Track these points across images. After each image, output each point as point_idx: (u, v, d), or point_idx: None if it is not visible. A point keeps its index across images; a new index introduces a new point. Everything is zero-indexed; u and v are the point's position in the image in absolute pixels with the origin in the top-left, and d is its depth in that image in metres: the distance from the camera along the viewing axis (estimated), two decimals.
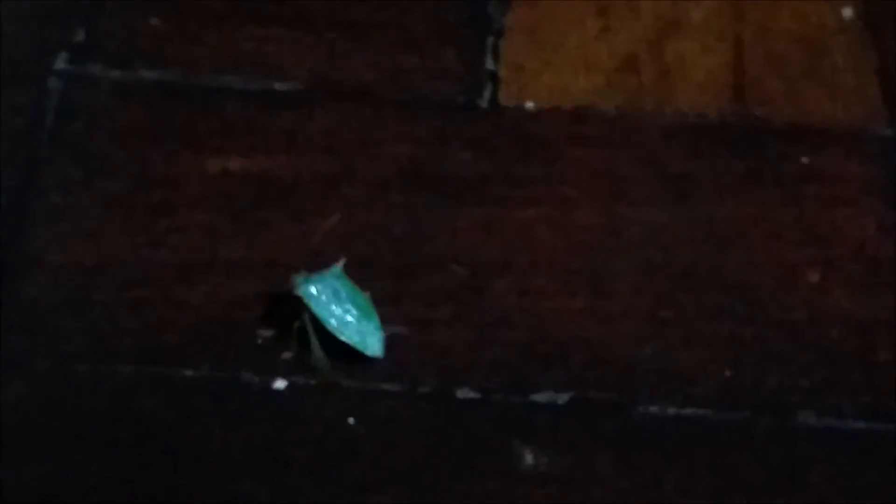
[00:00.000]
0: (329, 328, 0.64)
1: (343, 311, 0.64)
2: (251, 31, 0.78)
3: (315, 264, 0.65)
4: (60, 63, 0.75)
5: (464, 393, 0.66)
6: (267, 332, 0.66)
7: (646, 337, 0.68)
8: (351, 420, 0.64)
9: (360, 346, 0.64)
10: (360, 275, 0.67)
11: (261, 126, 0.74)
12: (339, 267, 0.67)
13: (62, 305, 0.67)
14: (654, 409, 0.66)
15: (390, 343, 0.66)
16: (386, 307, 0.67)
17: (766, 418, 0.65)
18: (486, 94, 0.76)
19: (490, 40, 0.79)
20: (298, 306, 0.64)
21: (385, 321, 0.65)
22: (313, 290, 0.64)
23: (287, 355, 0.65)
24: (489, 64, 0.78)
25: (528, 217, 0.71)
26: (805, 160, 0.74)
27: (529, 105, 0.76)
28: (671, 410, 0.66)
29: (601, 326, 0.68)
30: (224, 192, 0.71)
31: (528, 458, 0.63)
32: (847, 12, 0.82)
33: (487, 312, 0.68)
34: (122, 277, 0.68)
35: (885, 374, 0.67)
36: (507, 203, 0.72)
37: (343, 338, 0.64)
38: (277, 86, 0.75)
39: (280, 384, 0.65)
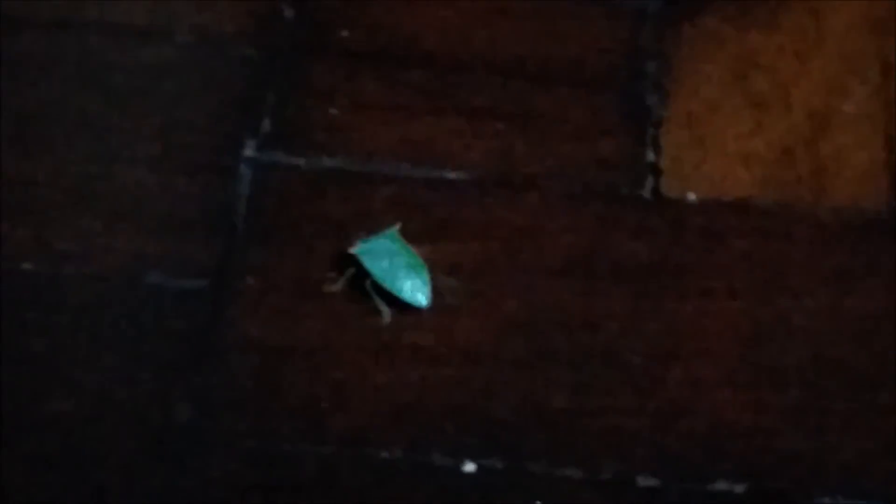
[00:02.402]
0: (377, 280, 0.74)
1: (392, 266, 0.73)
2: (425, 120, 0.81)
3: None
4: (249, 151, 0.78)
5: (644, 480, 0.68)
6: (333, 287, 0.73)
7: (814, 428, 0.69)
8: (538, 503, 0.68)
9: (406, 297, 0.74)
10: (537, 362, 0.70)
11: (432, 212, 0.77)
12: (394, 229, 0.75)
13: (262, 386, 0.71)
14: (827, 500, 0.67)
15: (570, 429, 0.68)
16: (562, 394, 0.70)
17: None
18: (648, 184, 0.79)
19: (650, 132, 0.81)
20: (357, 263, 0.74)
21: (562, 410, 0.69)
22: (367, 247, 0.75)
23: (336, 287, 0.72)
24: (650, 155, 0.80)
25: (694, 307, 0.74)
26: None
27: (691, 196, 0.78)
28: (843, 501, 0.68)
29: (770, 417, 0.70)
30: None
31: None
32: None
33: (663, 401, 0.70)
34: (317, 359, 0.71)
35: None
36: (673, 292, 0.74)
37: (391, 289, 0.73)
38: (449, 174, 0.78)
39: (470, 467, 0.68)
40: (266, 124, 0.80)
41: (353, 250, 0.75)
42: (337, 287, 0.75)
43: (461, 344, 0.72)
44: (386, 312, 0.74)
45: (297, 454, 0.69)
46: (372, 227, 0.75)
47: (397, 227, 0.76)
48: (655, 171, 0.80)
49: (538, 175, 0.79)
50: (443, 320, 0.73)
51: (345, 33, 0.85)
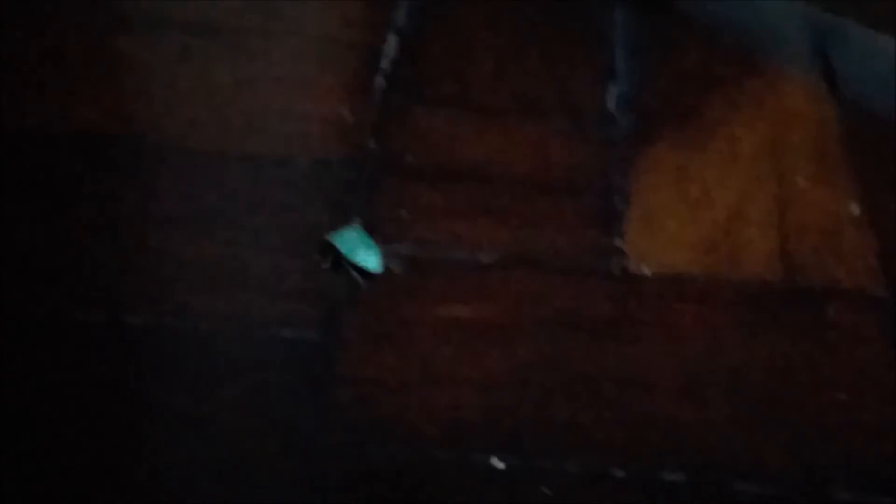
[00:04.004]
0: (343, 253, 0.77)
1: (353, 244, 0.77)
2: (463, 215, 0.82)
3: None
4: None
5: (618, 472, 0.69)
6: (324, 265, 0.76)
7: (734, 426, 0.69)
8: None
9: (362, 263, 0.77)
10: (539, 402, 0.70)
11: (470, 282, 0.78)
12: (357, 222, 0.79)
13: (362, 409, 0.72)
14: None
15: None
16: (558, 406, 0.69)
17: None
18: (616, 263, 0.80)
19: (616, 226, 0.82)
20: (331, 247, 0.78)
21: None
22: (338, 234, 0.78)
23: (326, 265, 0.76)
24: (617, 242, 0.81)
25: (647, 348, 0.74)
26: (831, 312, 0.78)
27: (646, 270, 0.80)
28: None
29: (704, 418, 0.70)
30: (455, 329, 0.75)
31: None
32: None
33: (627, 411, 0.71)
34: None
35: None
36: (632, 338, 0.74)
37: (350, 257, 0.77)
38: (482, 257, 0.80)
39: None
40: (355, 222, 0.81)
41: (329, 237, 0.79)
42: (326, 265, 0.78)
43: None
44: (360, 282, 0.78)
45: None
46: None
47: (359, 221, 0.80)
48: (621, 253, 0.81)
49: (542, 257, 0.80)
50: (479, 356, 0.73)
51: (410, 158, 0.86)
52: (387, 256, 0.79)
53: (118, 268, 0.77)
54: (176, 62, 0.91)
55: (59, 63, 0.90)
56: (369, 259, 0.78)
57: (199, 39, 0.92)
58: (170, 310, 0.75)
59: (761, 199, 0.84)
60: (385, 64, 0.91)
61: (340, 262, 0.78)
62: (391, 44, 0.93)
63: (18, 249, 0.78)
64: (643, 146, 0.87)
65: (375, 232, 0.81)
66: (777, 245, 0.81)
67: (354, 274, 0.77)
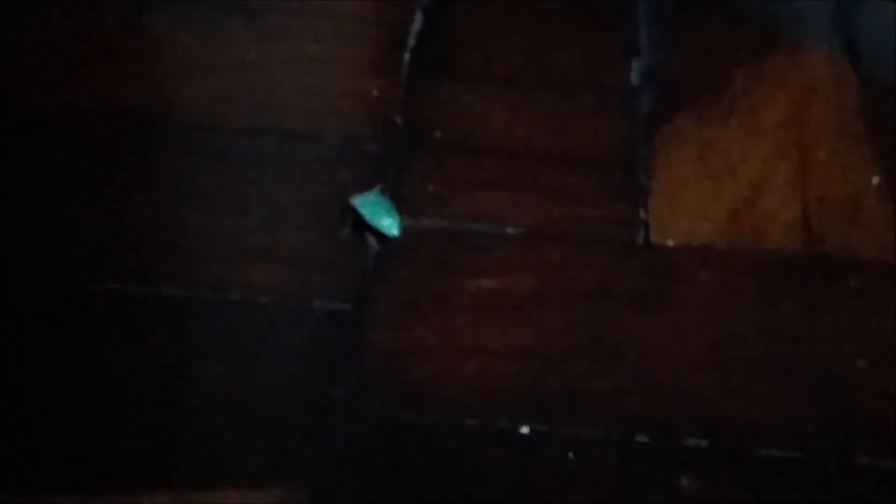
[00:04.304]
0: (365, 217, 0.79)
1: (375, 208, 0.78)
2: (492, 192, 0.82)
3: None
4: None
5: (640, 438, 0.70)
6: (343, 232, 0.78)
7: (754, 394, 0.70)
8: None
9: (383, 227, 0.79)
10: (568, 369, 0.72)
11: (495, 255, 0.79)
12: (378, 188, 0.80)
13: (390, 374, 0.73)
14: None
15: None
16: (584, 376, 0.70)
17: None
18: (641, 235, 0.81)
19: (642, 198, 0.83)
20: (355, 211, 0.80)
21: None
22: (361, 198, 0.79)
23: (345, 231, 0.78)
24: (642, 214, 0.82)
25: (672, 319, 0.75)
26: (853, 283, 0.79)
27: (670, 242, 0.80)
28: None
29: (726, 389, 0.72)
30: (482, 301, 0.76)
31: None
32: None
33: (652, 382, 0.72)
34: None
35: None
36: (657, 309, 0.76)
37: (372, 220, 0.78)
38: (509, 229, 0.81)
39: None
40: (377, 188, 0.83)
41: (352, 200, 0.80)
42: (345, 231, 0.79)
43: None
44: (373, 242, 0.79)
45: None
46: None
47: (380, 186, 0.81)
48: (646, 225, 0.82)
49: (567, 229, 0.81)
50: (506, 326, 0.75)
51: (437, 134, 0.87)
52: (415, 229, 0.80)
53: (154, 243, 0.78)
54: (205, 40, 0.92)
55: (85, 41, 0.91)
56: (391, 224, 0.79)
57: (229, 18, 0.93)
58: (205, 282, 0.76)
59: (783, 170, 0.84)
60: (412, 40, 0.92)
61: (361, 226, 0.79)
62: (418, 20, 0.94)
63: (54, 227, 0.79)
64: (667, 120, 0.88)
65: (403, 205, 0.82)
66: (799, 216, 0.81)
67: (371, 238, 0.78)
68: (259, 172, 0.83)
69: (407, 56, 0.91)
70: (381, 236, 0.79)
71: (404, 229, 0.80)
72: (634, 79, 0.90)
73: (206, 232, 0.80)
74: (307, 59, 0.91)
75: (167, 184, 0.82)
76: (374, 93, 0.88)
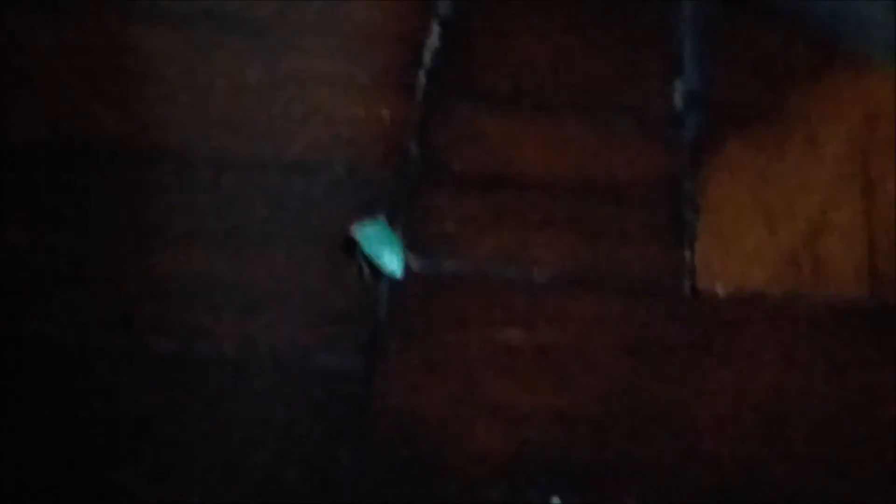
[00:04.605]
0: (363, 249, 0.76)
1: (377, 241, 0.76)
2: (516, 230, 0.80)
3: None
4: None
5: None
6: (354, 273, 0.75)
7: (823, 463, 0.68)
8: None
9: (384, 264, 0.76)
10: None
11: (520, 303, 0.76)
12: (383, 217, 0.78)
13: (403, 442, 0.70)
14: None
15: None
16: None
17: None
18: (686, 281, 0.78)
19: (687, 239, 0.80)
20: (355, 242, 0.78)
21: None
22: (362, 228, 0.77)
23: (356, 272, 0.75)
24: (687, 257, 0.79)
25: (720, 376, 0.72)
26: None
27: (719, 290, 0.78)
28: None
29: (776, 454, 0.69)
30: (508, 357, 0.74)
31: None
32: None
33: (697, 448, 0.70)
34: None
35: None
36: (705, 364, 0.73)
37: (372, 255, 0.76)
38: (536, 275, 0.78)
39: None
40: (380, 217, 0.80)
41: (353, 230, 0.78)
42: (355, 274, 0.76)
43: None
44: (367, 273, 0.77)
45: None
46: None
47: (384, 215, 0.79)
48: (692, 270, 0.79)
49: (603, 275, 0.78)
50: (534, 385, 0.73)
51: (456, 166, 0.84)
52: (432, 273, 0.77)
53: (143, 289, 0.76)
54: (201, 60, 0.89)
55: (72, 62, 0.88)
56: (392, 260, 0.76)
57: (227, 35, 0.90)
58: (198, 335, 0.74)
59: (846, 206, 0.81)
60: (428, 58, 0.89)
61: (360, 260, 0.77)
62: (434, 35, 0.91)
63: (35, 269, 0.77)
64: (715, 148, 0.85)
65: (418, 246, 0.79)
66: (864, 259, 0.79)
67: (367, 273, 0.75)
68: (258, 208, 0.81)
69: (422, 75, 0.88)
70: (379, 273, 0.77)
71: (421, 274, 0.77)
72: (678, 101, 0.88)
73: (199, 276, 0.77)
74: (312, 80, 0.88)
75: (154, 222, 0.80)
76: (386, 117, 0.86)
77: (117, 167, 0.83)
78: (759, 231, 0.81)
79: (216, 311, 0.76)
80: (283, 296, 0.77)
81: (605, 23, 0.94)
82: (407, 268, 0.78)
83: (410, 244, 0.79)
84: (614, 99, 0.88)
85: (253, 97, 0.87)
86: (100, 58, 0.89)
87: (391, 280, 0.77)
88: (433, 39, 0.91)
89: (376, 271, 0.77)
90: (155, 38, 0.90)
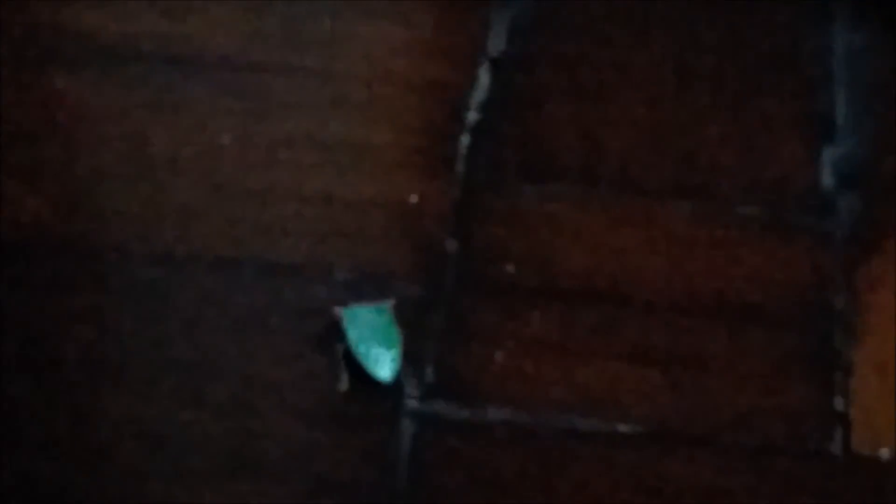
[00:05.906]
0: (348, 345, 0.76)
1: (367, 335, 0.76)
2: (594, 365, 0.78)
3: None
4: (411, 403, 0.76)
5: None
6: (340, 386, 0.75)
7: None
8: None
9: (369, 367, 0.76)
10: None
11: (605, 470, 0.74)
12: (388, 303, 0.78)
13: None
14: None
15: None
16: None
17: None
18: (838, 438, 0.75)
19: (838, 377, 0.78)
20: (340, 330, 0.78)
21: None
22: (352, 312, 0.77)
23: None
24: (839, 405, 0.76)
25: None
26: None
27: (885, 453, 0.75)
28: None
29: None
30: None
31: None
32: None
33: None
34: None
35: None
36: None
37: (357, 353, 0.76)
38: (621, 427, 0.76)
39: None
40: (429, 372, 0.77)
41: (339, 310, 0.78)
42: (343, 385, 0.76)
43: None
44: (344, 380, 0.76)
45: None
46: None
47: (392, 302, 0.79)
48: (845, 423, 0.77)
49: (714, 428, 0.76)
50: None
51: (510, 268, 0.82)
52: (473, 421, 0.76)
53: (71, 453, 0.74)
54: (150, 117, 0.88)
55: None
56: (383, 361, 0.75)
57: (187, 81, 0.90)
58: None
59: None
60: (472, 117, 0.90)
61: (339, 355, 0.76)
62: (482, 85, 0.91)
63: None
64: (876, 248, 0.84)
65: (455, 385, 0.77)
66: None
67: (345, 377, 0.74)
68: (234, 333, 0.79)
69: (465, 142, 0.89)
70: (363, 375, 0.76)
71: (453, 421, 0.75)
72: (826, 178, 0.88)
73: (161, 436, 0.75)
74: (305, 148, 0.88)
75: (89, 354, 0.78)
76: (414, 201, 0.85)
77: (41, 269, 0.81)
78: None
79: (187, 482, 0.73)
80: (268, 457, 0.74)
81: (714, 70, 0.93)
82: (427, 407, 0.76)
83: (440, 379, 0.77)
84: (736, 178, 0.88)
85: (222, 172, 0.86)
86: (13, 115, 0.86)
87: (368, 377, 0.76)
88: (480, 92, 0.91)
89: (360, 372, 0.75)
90: (79, 85, 0.88)
